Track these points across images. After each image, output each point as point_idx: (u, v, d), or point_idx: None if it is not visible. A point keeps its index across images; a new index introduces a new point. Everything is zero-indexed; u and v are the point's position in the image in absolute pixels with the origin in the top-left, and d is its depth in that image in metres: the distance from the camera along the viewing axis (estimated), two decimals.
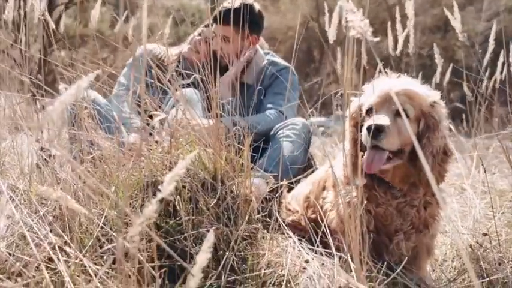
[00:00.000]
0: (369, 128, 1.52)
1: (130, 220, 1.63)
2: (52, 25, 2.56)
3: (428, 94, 1.64)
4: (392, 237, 1.71)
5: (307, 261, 1.63)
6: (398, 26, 3.47)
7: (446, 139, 1.63)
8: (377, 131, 1.51)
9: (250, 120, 2.41)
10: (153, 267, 1.29)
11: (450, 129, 3.59)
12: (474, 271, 1.82)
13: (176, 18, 3.23)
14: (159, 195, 0.92)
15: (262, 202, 1.99)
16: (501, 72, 3.72)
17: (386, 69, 1.73)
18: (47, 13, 2.66)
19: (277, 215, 1.90)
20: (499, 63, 3.68)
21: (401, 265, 1.43)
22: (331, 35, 2.09)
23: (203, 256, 0.88)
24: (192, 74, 2.81)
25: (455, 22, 3.33)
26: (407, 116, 1.57)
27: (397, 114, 1.56)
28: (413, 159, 1.61)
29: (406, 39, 3.66)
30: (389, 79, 1.68)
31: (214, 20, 2.60)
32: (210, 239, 0.90)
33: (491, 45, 3.07)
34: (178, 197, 1.56)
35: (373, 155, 1.57)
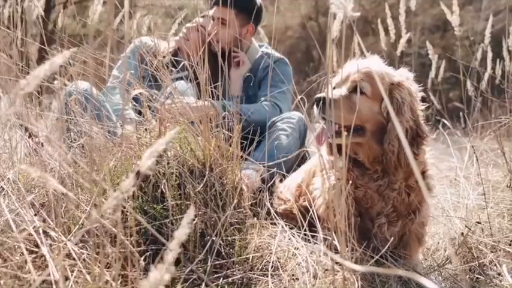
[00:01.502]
0: (315, 101, 1.57)
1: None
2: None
3: (392, 74, 1.62)
4: (374, 222, 1.70)
5: (296, 248, 1.62)
6: (390, 21, 3.46)
7: (418, 121, 1.60)
8: (321, 103, 1.55)
9: (243, 108, 2.40)
10: (139, 252, 1.28)
11: (444, 125, 3.58)
12: (466, 258, 1.81)
13: (174, 17, 3.22)
14: (137, 169, 0.91)
15: (254, 193, 1.98)
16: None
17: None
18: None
19: (268, 204, 1.89)
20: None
21: (387, 247, 1.42)
22: (334, 31, 2.09)
23: (182, 231, 0.87)
24: (186, 67, 2.81)
25: (452, 17, 3.31)
26: (363, 93, 1.57)
27: (353, 91, 1.57)
28: (381, 141, 1.60)
29: (398, 38, 3.67)
30: (360, 60, 1.67)
31: (216, 2, 2.61)
32: (189, 215, 0.89)
33: (487, 38, 3.04)
34: (165, 181, 1.54)
35: (322, 129, 1.61)
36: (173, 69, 2.47)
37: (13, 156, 2.10)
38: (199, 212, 1.48)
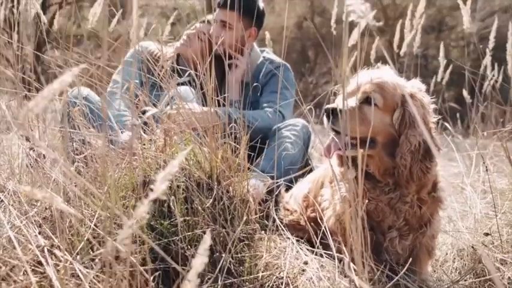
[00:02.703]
0: (325, 112, 1.53)
1: (122, 221, 1.57)
2: (44, 20, 2.49)
3: (404, 85, 1.58)
4: (386, 235, 1.67)
5: (306, 263, 1.59)
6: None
7: (431, 134, 1.57)
8: (332, 115, 1.51)
9: (246, 115, 2.36)
10: (146, 271, 1.23)
11: (445, 128, 3.55)
12: (476, 271, 1.78)
13: (171, 17, 3.18)
14: (152, 195, 0.86)
15: (259, 204, 1.95)
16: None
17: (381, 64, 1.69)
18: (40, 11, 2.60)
19: (275, 215, 1.85)
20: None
21: (405, 268, 1.38)
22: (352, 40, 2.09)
23: (199, 260, 0.83)
24: (188, 72, 2.76)
25: (465, 13, 3.15)
26: (375, 105, 1.53)
27: (364, 102, 1.53)
28: (392, 153, 1.57)
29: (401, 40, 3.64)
30: (372, 71, 1.64)
31: (219, 5, 2.57)
32: (206, 241, 0.85)
33: (491, 43, 3.00)
34: (172, 197, 1.50)
35: (332, 141, 1.57)
36: (175, 75, 2.43)
37: (13, 165, 2.06)
38: (208, 228, 1.44)
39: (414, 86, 1.58)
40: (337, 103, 1.53)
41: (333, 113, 1.50)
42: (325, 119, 1.53)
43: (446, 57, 4.06)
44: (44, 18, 2.68)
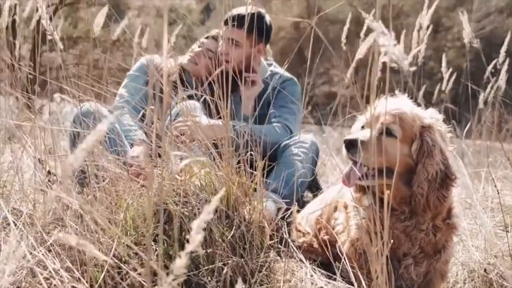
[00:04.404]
0: (344, 143, 1.55)
1: (140, 249, 1.58)
2: (51, 28, 2.47)
3: (423, 116, 1.60)
4: (401, 262, 1.69)
5: None
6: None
7: (447, 162, 1.58)
8: (351, 146, 1.52)
9: (255, 129, 2.37)
10: None
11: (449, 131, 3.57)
12: None
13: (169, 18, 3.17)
14: (188, 247, 0.87)
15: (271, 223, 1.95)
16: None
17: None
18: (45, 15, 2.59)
19: (288, 238, 1.86)
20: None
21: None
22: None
23: None
24: (193, 85, 2.76)
25: (466, 25, 3.19)
26: (395, 136, 1.55)
27: (382, 133, 1.54)
28: (408, 182, 1.59)
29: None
30: (389, 99, 1.65)
31: (226, 23, 2.57)
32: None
33: (502, 57, 2.99)
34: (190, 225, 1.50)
35: (350, 170, 1.58)
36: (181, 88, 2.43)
37: (25, 187, 2.05)
38: (228, 261, 1.45)
39: (432, 116, 1.59)
40: (357, 134, 1.54)
41: (352, 144, 1.52)
42: (344, 149, 1.54)
43: (441, 58, 4.08)
44: (51, 28, 2.67)
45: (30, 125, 2.39)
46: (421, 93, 4.57)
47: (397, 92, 1.63)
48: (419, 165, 1.54)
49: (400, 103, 1.58)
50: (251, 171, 1.76)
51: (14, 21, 2.80)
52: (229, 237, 1.51)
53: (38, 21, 2.51)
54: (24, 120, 2.29)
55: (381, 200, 1.63)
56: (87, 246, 1.02)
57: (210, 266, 1.43)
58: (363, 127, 1.64)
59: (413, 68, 0.99)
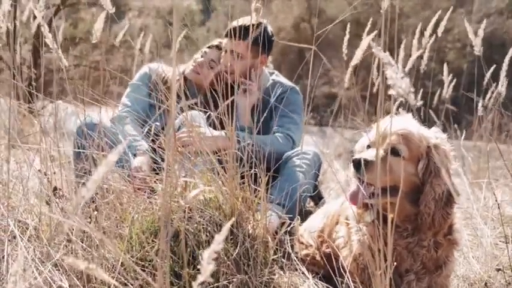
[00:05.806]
0: (353, 162, 1.57)
1: (144, 265, 1.60)
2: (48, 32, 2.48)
3: (428, 136, 1.63)
4: (403, 278, 1.71)
5: None
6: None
7: (451, 180, 1.60)
8: (358, 165, 1.55)
9: (258, 140, 2.38)
10: None
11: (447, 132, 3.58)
12: None
13: (168, 19, 3.17)
14: (200, 278, 0.88)
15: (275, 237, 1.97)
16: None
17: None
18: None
19: (290, 250, 1.88)
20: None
21: None
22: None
23: None
24: (195, 95, 2.78)
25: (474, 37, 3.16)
26: (401, 156, 1.57)
27: (390, 152, 1.56)
28: (415, 201, 1.61)
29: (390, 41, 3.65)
30: (394, 118, 1.67)
31: (228, 35, 2.57)
32: None
33: (505, 65, 2.96)
34: (195, 242, 1.52)
35: (357, 188, 1.60)
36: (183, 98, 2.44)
37: (28, 195, 2.06)
38: (233, 279, 1.46)
39: (437, 136, 1.61)
40: (365, 154, 1.56)
41: (359, 163, 1.53)
42: (352, 168, 1.56)
43: (444, 59, 4.11)
44: (49, 35, 2.68)
45: (33, 133, 2.40)
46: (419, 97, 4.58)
47: (401, 110, 1.65)
48: (427, 185, 1.57)
49: (406, 123, 1.60)
50: (255, 187, 1.78)
51: (14, 25, 2.80)
52: (234, 255, 1.53)
53: (39, 25, 2.52)
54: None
55: (384, 217, 1.65)
56: (96, 270, 1.04)
57: (215, 284, 1.45)
58: (369, 146, 1.66)
59: (420, 103, 1.00)
